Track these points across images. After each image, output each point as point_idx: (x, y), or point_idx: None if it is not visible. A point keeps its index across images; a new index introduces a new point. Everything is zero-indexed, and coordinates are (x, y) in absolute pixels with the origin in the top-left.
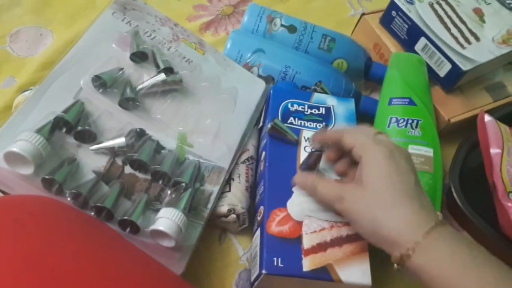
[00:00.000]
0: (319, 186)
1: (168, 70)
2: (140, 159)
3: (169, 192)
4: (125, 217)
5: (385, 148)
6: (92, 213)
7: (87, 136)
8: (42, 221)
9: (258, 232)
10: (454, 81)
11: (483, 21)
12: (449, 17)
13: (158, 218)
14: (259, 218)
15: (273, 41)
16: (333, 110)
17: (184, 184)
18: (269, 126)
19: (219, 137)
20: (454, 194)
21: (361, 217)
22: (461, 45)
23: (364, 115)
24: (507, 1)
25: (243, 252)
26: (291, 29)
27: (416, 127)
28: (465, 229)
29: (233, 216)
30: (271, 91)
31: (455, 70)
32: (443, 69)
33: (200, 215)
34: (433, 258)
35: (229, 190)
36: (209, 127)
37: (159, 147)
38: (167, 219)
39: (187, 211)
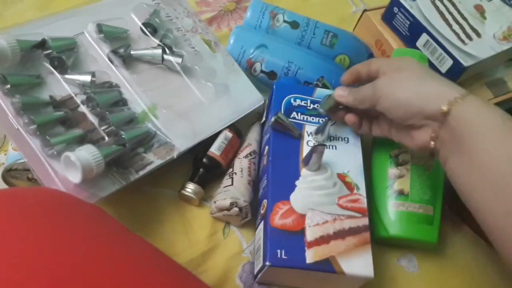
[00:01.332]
0: (360, 91)
1: (168, 48)
2: (93, 97)
3: (106, 139)
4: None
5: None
6: (21, 122)
7: (61, 65)
8: (51, 213)
9: (261, 225)
10: (456, 77)
11: (484, 18)
12: (450, 13)
13: (76, 150)
14: (262, 212)
15: (276, 37)
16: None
17: (123, 137)
18: (272, 119)
19: (188, 118)
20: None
21: (401, 83)
22: (463, 41)
23: None
24: None
25: (246, 245)
26: (294, 25)
27: None
28: (465, 223)
29: (236, 209)
30: (274, 86)
31: (457, 66)
32: (445, 65)
33: (127, 176)
34: (476, 106)
35: (232, 184)
36: (181, 104)
37: (122, 102)
38: (82, 152)
39: (110, 161)
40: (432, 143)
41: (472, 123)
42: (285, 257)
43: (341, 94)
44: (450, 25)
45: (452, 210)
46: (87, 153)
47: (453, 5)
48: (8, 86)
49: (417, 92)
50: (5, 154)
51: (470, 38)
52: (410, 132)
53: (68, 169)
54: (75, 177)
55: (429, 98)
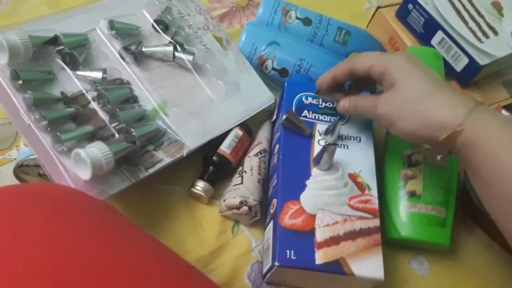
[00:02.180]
0: (358, 102)
1: (180, 45)
2: (104, 94)
3: (116, 136)
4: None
5: (403, 55)
6: (33, 118)
7: (72, 62)
8: (60, 209)
9: (271, 225)
10: (471, 75)
11: (502, 15)
12: (467, 10)
13: (86, 147)
14: (272, 211)
15: (288, 34)
16: None
17: (133, 134)
18: (283, 117)
19: (198, 117)
20: (469, 190)
21: (404, 114)
22: (479, 39)
23: None
24: None
25: (255, 244)
26: (306, 21)
27: None
28: (479, 225)
29: (245, 208)
30: (285, 84)
31: (472, 64)
32: (460, 64)
33: (136, 173)
34: (482, 127)
35: (241, 183)
36: (192, 103)
37: (133, 99)
38: (93, 149)
39: (120, 158)
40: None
41: (477, 149)
42: (294, 258)
43: (343, 105)
44: (466, 23)
45: (466, 212)
46: (97, 150)
47: (470, 1)
48: (20, 81)
49: (422, 124)
50: (17, 150)
51: (486, 36)
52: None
53: (78, 165)
54: (85, 174)
55: (436, 128)
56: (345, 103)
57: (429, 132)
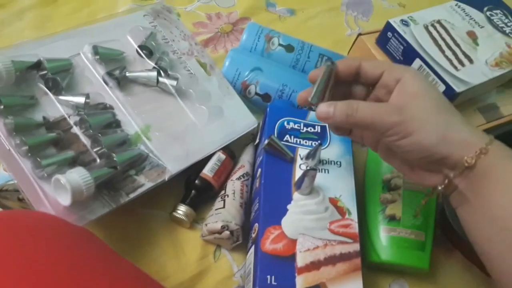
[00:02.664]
0: (360, 106)
1: (163, 71)
2: (86, 119)
3: (98, 161)
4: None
5: (410, 69)
6: (13, 143)
7: (55, 86)
8: (39, 237)
9: (252, 249)
10: None
11: (477, 44)
12: (443, 39)
13: (67, 172)
14: (253, 235)
15: (270, 60)
16: (328, 129)
17: (114, 159)
18: (265, 142)
19: (181, 141)
20: (447, 214)
21: (426, 125)
22: (455, 67)
23: None
24: (500, 25)
25: (237, 268)
26: (289, 48)
27: None
28: (458, 249)
29: (227, 232)
30: (268, 109)
31: (449, 91)
32: None
33: (117, 198)
34: (500, 160)
35: (223, 207)
36: (174, 127)
37: (115, 123)
38: (73, 175)
39: (100, 184)
40: (440, 188)
41: (493, 178)
42: (275, 283)
43: (325, 111)
44: (443, 51)
45: (444, 236)
46: (78, 176)
47: (446, 31)
48: (1, 107)
49: (444, 138)
50: None
51: (462, 64)
52: (417, 170)
53: (58, 191)
54: (65, 199)
55: (456, 147)
56: (329, 108)
57: (451, 149)
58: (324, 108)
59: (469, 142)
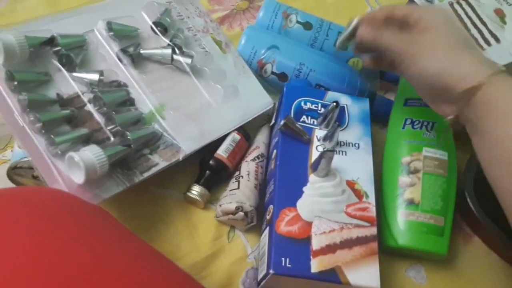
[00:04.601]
0: (383, 32)
1: (178, 48)
2: (100, 96)
3: (112, 140)
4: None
5: (445, 10)
6: (27, 120)
7: (69, 63)
8: (52, 214)
9: (266, 231)
10: None
11: (504, 22)
12: (469, 17)
13: (81, 150)
14: (268, 217)
15: (288, 38)
16: (347, 109)
17: (128, 138)
18: (281, 123)
19: (195, 120)
20: (468, 199)
21: (433, 55)
22: (481, 47)
23: (378, 115)
24: None
25: (251, 250)
26: (307, 26)
27: (431, 129)
28: (477, 234)
29: (241, 213)
30: (285, 89)
31: None
32: None
33: (131, 177)
34: (504, 88)
35: (238, 188)
36: (189, 106)
37: (129, 102)
38: (87, 152)
39: (114, 162)
40: (450, 118)
41: (496, 107)
42: (290, 266)
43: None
44: (468, 30)
45: (464, 221)
46: (91, 154)
47: (472, 8)
48: (15, 83)
49: (447, 67)
50: (11, 151)
51: (488, 44)
52: (436, 100)
53: (72, 169)
54: (79, 177)
55: (459, 77)
56: (367, 27)
57: (451, 80)
58: (364, 27)
59: (470, 74)
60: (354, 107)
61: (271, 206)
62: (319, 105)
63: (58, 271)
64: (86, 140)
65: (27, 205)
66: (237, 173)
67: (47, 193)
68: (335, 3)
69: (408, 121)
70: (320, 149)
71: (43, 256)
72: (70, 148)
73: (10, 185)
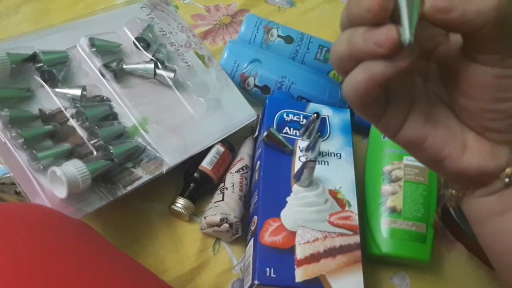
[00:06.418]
0: None
1: (161, 63)
2: (82, 111)
3: (95, 154)
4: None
5: None
6: (9, 136)
7: (51, 79)
8: (36, 230)
9: (251, 242)
10: None
11: None
12: None
13: (63, 164)
14: (252, 228)
15: (269, 52)
16: (328, 120)
17: (111, 152)
18: (264, 134)
19: (179, 133)
20: (450, 208)
21: None
22: None
23: (360, 126)
24: None
25: (236, 261)
26: (288, 39)
27: None
28: (459, 241)
29: (226, 225)
30: (267, 101)
31: None
32: None
33: (114, 191)
34: None
35: (222, 199)
36: (172, 119)
37: (112, 116)
38: (69, 167)
39: (97, 176)
40: (509, 170)
41: None
42: (274, 276)
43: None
44: None
45: (447, 228)
46: (74, 168)
47: None
48: None
49: None
50: None
51: None
52: (470, 139)
53: (54, 184)
54: (61, 192)
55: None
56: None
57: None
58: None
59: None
60: (336, 118)
61: (255, 217)
62: (301, 116)
63: (40, 284)
64: (69, 155)
65: (8, 222)
66: (222, 184)
67: (29, 209)
68: (315, 18)
69: None
70: (303, 159)
71: (25, 273)
72: (52, 163)
73: None
